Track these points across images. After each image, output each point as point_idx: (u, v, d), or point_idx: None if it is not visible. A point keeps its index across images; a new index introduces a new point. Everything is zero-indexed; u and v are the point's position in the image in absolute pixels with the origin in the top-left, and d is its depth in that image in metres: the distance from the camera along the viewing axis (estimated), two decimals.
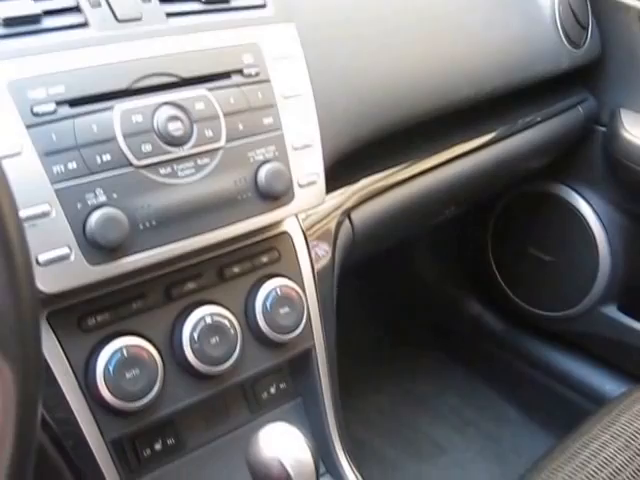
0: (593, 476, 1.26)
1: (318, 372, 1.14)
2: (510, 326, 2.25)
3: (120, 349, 0.92)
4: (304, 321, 1.07)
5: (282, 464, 0.87)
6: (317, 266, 1.14)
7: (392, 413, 2.15)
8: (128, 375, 0.92)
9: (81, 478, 0.95)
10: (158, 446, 1.03)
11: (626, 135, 1.72)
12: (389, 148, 1.33)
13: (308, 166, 1.02)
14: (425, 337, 2.35)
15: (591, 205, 1.92)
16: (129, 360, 0.92)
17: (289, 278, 1.07)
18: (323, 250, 1.18)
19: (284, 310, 1.05)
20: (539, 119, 1.67)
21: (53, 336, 0.91)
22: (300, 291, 1.07)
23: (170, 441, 1.04)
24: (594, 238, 1.92)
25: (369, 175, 1.32)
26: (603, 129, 1.80)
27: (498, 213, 2.12)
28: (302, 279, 1.10)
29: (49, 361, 0.90)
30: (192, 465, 1.07)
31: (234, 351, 0.99)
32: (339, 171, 1.17)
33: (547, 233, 2.03)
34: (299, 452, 0.88)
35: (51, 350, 0.91)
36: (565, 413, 1.93)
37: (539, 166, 1.85)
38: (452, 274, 2.36)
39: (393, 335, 2.35)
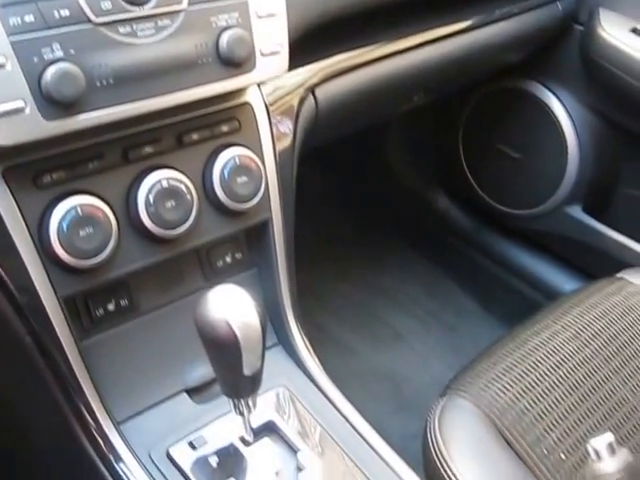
0: (541, 362, 1.29)
1: (274, 244, 1.15)
2: (476, 222, 2.27)
3: (75, 207, 0.93)
4: (262, 192, 1.07)
5: (229, 325, 0.88)
6: (278, 141, 1.14)
7: (353, 300, 2.18)
8: (82, 233, 0.93)
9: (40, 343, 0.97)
10: (111, 306, 1.04)
11: (603, 35, 1.71)
12: (358, 28, 1.32)
13: (272, 35, 1.01)
14: (391, 228, 2.37)
15: (563, 104, 1.91)
16: (83, 218, 0.93)
17: (248, 148, 1.07)
18: (286, 127, 1.18)
19: (242, 179, 1.05)
20: (516, 11, 1.65)
21: (8, 192, 0.91)
22: (259, 162, 1.07)
23: (123, 302, 1.05)
24: (564, 137, 1.92)
25: (336, 54, 1.32)
26: (581, 28, 1.79)
27: (471, 109, 2.12)
28: (262, 151, 1.10)
29: (3, 216, 0.91)
30: (145, 327, 1.08)
31: (189, 216, 1.00)
32: (306, 47, 1.16)
33: (518, 131, 2.03)
34: (247, 314, 0.89)
35: (6, 206, 0.91)
36: (523, 308, 1.96)
37: (514, 61, 1.84)
38: (423, 168, 2.37)
39: (359, 224, 2.36)
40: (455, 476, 1.13)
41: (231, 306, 0.88)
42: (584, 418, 1.25)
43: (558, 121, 1.89)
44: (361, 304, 2.17)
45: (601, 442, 0.76)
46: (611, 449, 0.76)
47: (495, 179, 2.10)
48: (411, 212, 2.35)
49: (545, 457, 1.18)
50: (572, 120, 1.89)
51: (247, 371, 0.91)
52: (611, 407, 1.30)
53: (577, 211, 1.96)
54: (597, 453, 0.77)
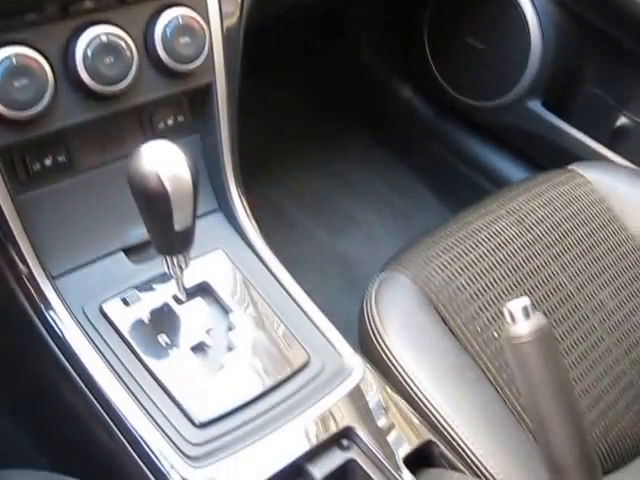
0: (481, 243, 1.31)
1: (217, 109, 1.14)
2: (438, 113, 2.27)
3: (9, 57, 0.92)
4: (205, 54, 1.06)
5: (159, 177, 0.88)
6: (225, 3, 1.12)
7: (313, 188, 2.19)
8: (17, 84, 0.92)
9: None
10: (48, 162, 1.04)
11: None
12: None
13: None
14: (353, 116, 2.35)
15: None
16: (18, 68, 0.92)
17: (193, 9, 1.06)
18: None
19: (184, 40, 1.04)
20: None
21: None
22: (203, 23, 1.05)
23: (61, 158, 1.04)
24: (528, 30, 1.91)
25: None
26: None
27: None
28: (207, 13, 1.09)
29: None
30: (83, 186, 1.08)
31: (128, 73, 0.99)
32: None
33: (483, 22, 2.01)
34: (178, 168, 0.89)
35: None
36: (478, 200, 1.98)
37: None
38: (388, 58, 2.34)
39: (319, 111, 2.35)
40: (389, 349, 1.15)
41: (162, 160, 0.88)
42: None
43: (522, 11, 1.87)
44: (320, 191, 2.17)
45: (516, 305, 0.77)
46: (526, 312, 0.77)
47: (458, 70, 2.09)
48: (374, 100, 2.33)
49: (478, 334, 1.21)
50: (536, 10, 1.87)
51: (178, 226, 0.91)
52: (548, 291, 1.32)
53: (537, 105, 1.96)
54: (512, 316, 0.78)
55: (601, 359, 1.30)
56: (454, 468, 1.03)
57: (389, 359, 1.12)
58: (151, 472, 0.94)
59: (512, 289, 1.28)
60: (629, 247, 1.43)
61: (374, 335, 1.15)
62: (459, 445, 1.06)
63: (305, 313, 1.09)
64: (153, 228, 0.94)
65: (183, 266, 0.98)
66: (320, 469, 0.97)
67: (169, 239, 0.94)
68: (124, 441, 0.96)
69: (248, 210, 1.16)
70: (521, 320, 0.77)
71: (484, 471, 1.05)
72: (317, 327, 1.08)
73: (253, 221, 1.16)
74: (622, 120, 1.90)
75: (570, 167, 1.54)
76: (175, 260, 0.98)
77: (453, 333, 1.20)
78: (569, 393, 0.80)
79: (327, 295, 1.34)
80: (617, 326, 1.35)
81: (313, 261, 1.95)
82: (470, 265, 1.27)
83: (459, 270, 1.26)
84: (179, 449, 0.93)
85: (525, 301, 0.76)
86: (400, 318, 1.19)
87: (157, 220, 0.92)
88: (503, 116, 2.03)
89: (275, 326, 1.06)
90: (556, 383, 0.78)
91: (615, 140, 1.90)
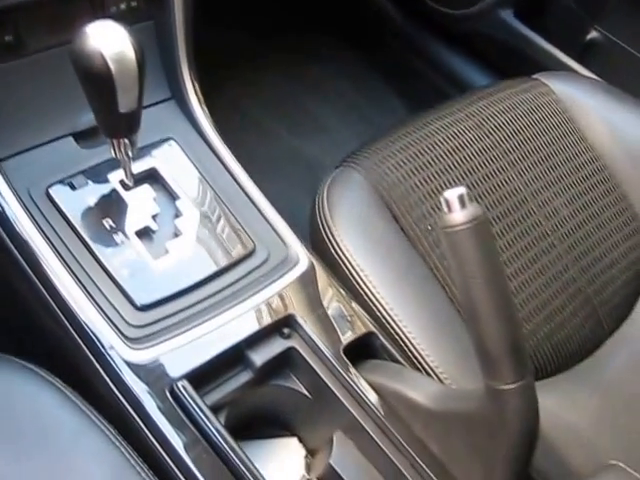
0: (438, 145, 1.30)
1: None
2: (411, 20, 2.23)
3: None
4: None
5: (103, 56, 0.87)
6: None
7: (281, 90, 2.16)
8: None
9: None
10: None
11: None
12: None
13: None
14: (325, 21, 2.31)
15: None
16: None
17: None
18: None
19: None
20: None
21: None
22: None
23: (8, 38, 1.02)
24: None
25: None
26: None
27: None
28: None
29: None
30: (32, 68, 1.07)
31: None
32: None
33: None
34: (123, 48, 0.88)
35: None
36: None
37: None
38: None
39: (290, 15, 2.31)
40: (337, 243, 1.15)
41: (107, 39, 0.86)
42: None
43: None
44: (288, 94, 2.15)
45: (453, 194, 0.77)
46: (462, 201, 0.77)
47: None
48: (345, 3, 2.29)
49: (428, 233, 1.21)
50: None
51: (123, 109, 0.90)
52: (502, 195, 1.32)
53: (508, 15, 1.94)
54: (448, 204, 0.78)
55: (551, 265, 1.31)
56: (394, 360, 1.04)
57: (337, 253, 1.13)
58: (92, 353, 0.95)
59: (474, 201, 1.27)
60: (588, 158, 1.43)
61: (324, 230, 1.15)
62: (401, 338, 1.07)
63: (254, 204, 1.09)
64: (98, 109, 0.93)
65: (130, 151, 0.97)
66: (260, 355, 0.98)
67: (114, 121, 0.93)
68: (66, 323, 0.97)
69: (201, 99, 1.15)
70: (457, 209, 0.77)
71: (424, 364, 1.06)
72: (265, 218, 1.08)
73: (206, 110, 1.15)
74: (593, 34, 1.89)
75: (535, 76, 1.52)
76: (122, 144, 0.97)
77: (404, 231, 1.20)
78: (502, 284, 0.81)
79: (286, 195, 1.33)
80: (569, 234, 1.35)
81: (274, 161, 1.94)
82: (425, 165, 1.27)
83: (414, 170, 1.25)
84: (119, 331, 0.94)
85: (461, 190, 0.76)
86: (351, 214, 1.18)
87: (101, 101, 0.91)
88: (474, 24, 2.01)
89: (222, 214, 1.06)
90: (489, 273, 0.79)
91: (584, 54, 1.88)
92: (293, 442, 1.05)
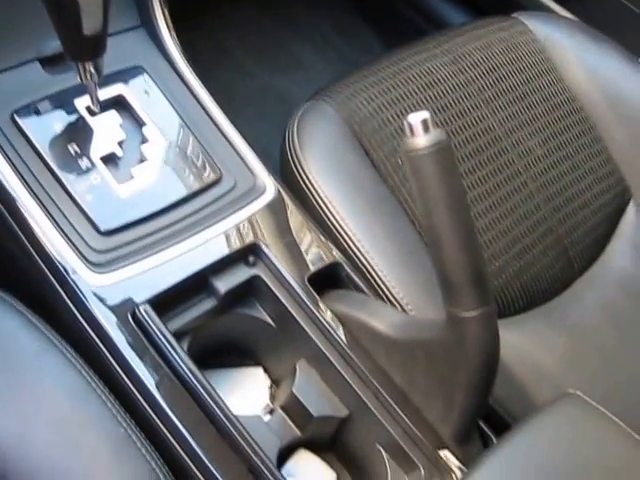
0: (412, 80, 1.30)
1: None
2: None
3: None
4: None
5: None
6: None
7: (260, 27, 2.13)
8: None
9: None
10: None
11: None
12: None
13: None
14: None
15: None
16: None
17: None
18: None
19: None
20: None
21: None
22: None
23: None
24: None
25: None
26: None
27: None
28: None
29: None
30: None
31: None
32: None
33: None
34: None
35: None
36: None
37: None
38: None
39: None
40: (306, 175, 1.14)
41: None
42: None
43: None
44: (268, 31, 2.12)
45: (416, 118, 0.76)
46: (425, 126, 0.77)
47: None
48: None
49: (399, 167, 1.21)
50: None
51: (87, 31, 0.89)
52: (476, 133, 1.32)
53: None
54: (411, 128, 0.77)
55: (523, 203, 1.31)
56: (359, 291, 1.04)
57: (306, 184, 1.12)
58: (55, 278, 0.94)
59: (438, 127, 1.26)
60: (564, 98, 1.43)
61: (293, 161, 1.15)
62: (367, 270, 1.07)
63: (222, 132, 1.08)
64: (61, 31, 0.91)
65: (95, 75, 0.96)
66: (224, 283, 0.98)
67: (78, 44, 0.92)
68: (29, 247, 0.96)
69: (171, 26, 1.13)
70: (420, 133, 0.76)
71: (389, 295, 1.06)
72: (233, 147, 1.07)
73: (176, 38, 1.13)
74: None
75: (513, 15, 1.51)
76: (87, 69, 0.95)
77: (374, 165, 1.19)
78: (464, 210, 0.81)
79: (258, 129, 1.32)
80: (542, 173, 1.35)
81: (247, 96, 1.93)
82: (398, 100, 1.26)
83: (386, 104, 1.24)
84: (83, 255, 0.94)
85: (425, 114, 0.76)
86: (321, 146, 1.18)
87: (65, 23, 0.89)
88: None
89: (189, 142, 1.05)
90: (451, 198, 0.79)
91: None
92: (258, 372, 1.05)
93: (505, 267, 1.25)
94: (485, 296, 0.82)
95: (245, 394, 1.02)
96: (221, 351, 1.03)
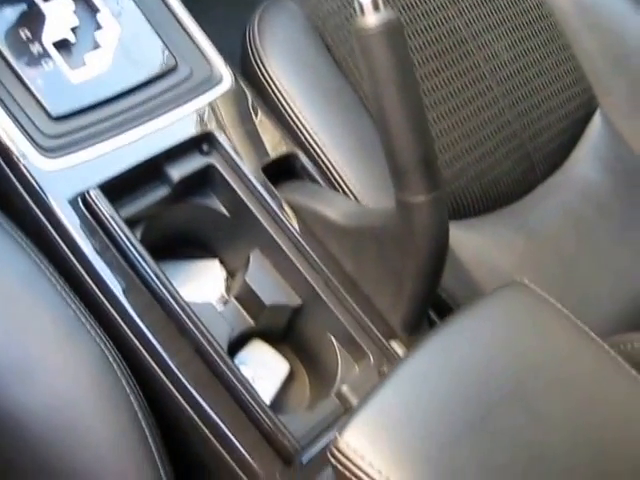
0: None
1: None
2: None
3: None
4: None
5: None
6: None
7: None
8: None
9: None
10: None
11: None
12: None
13: None
14: None
15: None
16: None
17: None
18: None
19: None
20: None
21: None
22: None
23: None
24: None
25: None
26: None
27: None
28: None
29: None
30: None
31: None
32: None
33: None
34: None
35: None
36: None
37: None
38: None
39: None
40: (266, 68, 1.13)
41: None
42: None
43: None
44: None
45: None
46: (375, 4, 0.75)
47: None
48: None
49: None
50: None
51: None
52: (441, 34, 1.31)
53: None
54: (361, 7, 0.76)
55: (487, 107, 1.30)
56: (314, 182, 1.03)
57: (264, 76, 1.11)
58: (5, 162, 0.94)
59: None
60: (533, 3, 1.41)
61: (253, 55, 1.13)
62: (322, 162, 1.07)
63: (180, 23, 1.07)
64: None
65: None
66: (178, 170, 0.97)
67: None
68: None
69: None
70: (370, 11, 0.75)
71: (344, 187, 1.06)
72: (190, 37, 1.06)
73: None
74: None
75: None
76: None
77: (336, 61, 1.18)
78: (414, 94, 0.80)
79: (225, 32, 1.29)
80: (508, 78, 1.34)
81: None
82: None
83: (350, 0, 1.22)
84: (33, 140, 0.92)
85: None
86: (281, 41, 1.16)
87: None
88: None
89: (145, 31, 1.04)
90: (400, 80, 0.78)
91: None
92: (214, 264, 1.05)
93: (466, 169, 1.25)
94: (434, 181, 0.82)
95: (200, 285, 1.02)
96: (177, 243, 1.03)
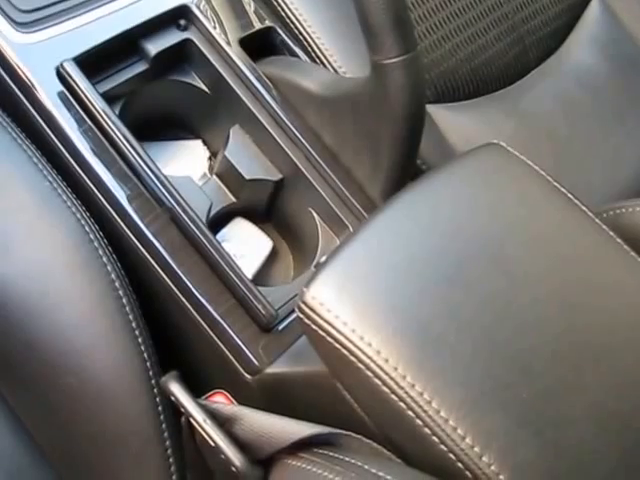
0: None
1: None
2: None
3: None
4: None
5: None
6: None
7: None
8: None
9: None
10: None
11: None
12: None
13: None
14: None
15: None
16: None
17: None
18: None
19: None
20: None
21: None
22: None
23: None
24: None
25: None
26: None
27: None
28: None
29: None
30: None
31: None
32: None
33: None
34: None
35: None
36: None
37: None
38: None
39: None
40: None
41: None
42: None
43: None
44: None
45: None
46: None
47: None
48: None
49: None
50: None
51: None
52: None
53: None
54: None
55: None
56: (294, 56, 1.02)
57: None
58: None
59: None
60: None
61: None
62: (302, 35, 1.05)
63: None
64: None
65: None
66: (155, 45, 0.96)
67: None
68: None
69: None
70: None
71: (323, 60, 1.05)
72: None
73: None
74: None
75: None
76: None
77: None
78: None
79: None
80: None
81: None
82: None
83: None
84: (6, 14, 0.91)
85: None
86: None
87: None
88: None
89: None
90: None
91: None
92: (196, 143, 1.04)
93: (456, 50, 1.24)
94: (407, 42, 0.80)
95: (182, 164, 1.02)
96: (159, 125, 1.02)
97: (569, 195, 0.77)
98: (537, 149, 1.24)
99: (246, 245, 0.99)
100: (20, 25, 0.92)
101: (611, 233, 0.76)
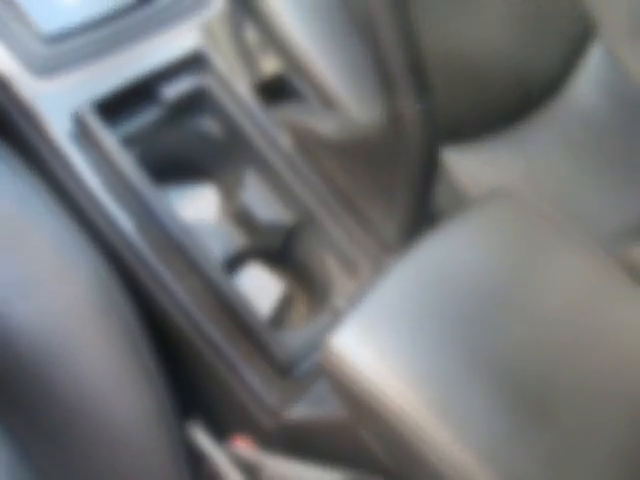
0: None
1: None
2: None
3: None
4: None
5: None
6: None
7: None
8: None
9: None
10: None
11: None
12: None
13: None
14: None
15: None
16: None
17: None
18: None
19: None
20: None
21: None
22: None
23: None
24: None
25: None
26: None
27: None
28: None
29: None
30: None
31: None
32: None
33: None
34: None
35: None
36: None
37: None
38: None
39: None
40: None
41: None
42: None
43: None
44: None
45: None
46: None
47: None
48: None
49: None
50: None
51: None
52: None
53: None
54: None
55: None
56: (307, 101, 1.03)
57: None
58: None
59: None
60: None
61: None
62: (314, 79, 1.06)
63: None
64: None
65: None
66: (170, 91, 0.97)
67: None
68: None
69: None
70: None
71: (336, 105, 1.05)
72: None
73: None
74: None
75: None
76: None
77: None
78: (403, 2, 0.79)
79: None
80: None
81: None
82: None
83: None
84: (24, 60, 0.92)
85: None
86: None
87: None
88: None
89: None
90: None
91: None
92: (209, 187, 1.05)
93: (461, 93, 1.24)
94: (423, 89, 0.81)
95: (196, 208, 1.02)
96: (172, 171, 1.03)
97: (580, 238, 0.78)
98: (545, 191, 1.25)
99: (260, 288, 1.00)
100: (37, 71, 0.92)
101: (623, 275, 0.76)
